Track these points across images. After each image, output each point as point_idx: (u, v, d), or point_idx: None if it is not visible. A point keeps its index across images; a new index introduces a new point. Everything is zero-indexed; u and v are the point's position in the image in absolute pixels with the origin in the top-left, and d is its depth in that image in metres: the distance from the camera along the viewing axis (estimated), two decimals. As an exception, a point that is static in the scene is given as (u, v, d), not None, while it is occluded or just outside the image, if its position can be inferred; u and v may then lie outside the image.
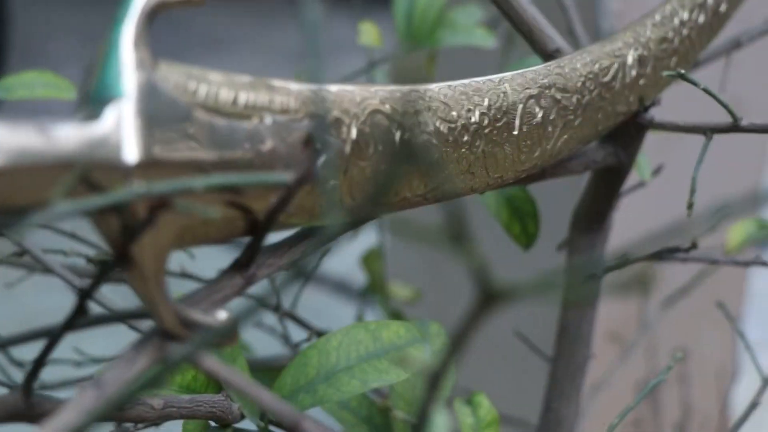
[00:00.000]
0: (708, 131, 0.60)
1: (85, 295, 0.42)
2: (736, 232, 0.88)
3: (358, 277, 1.52)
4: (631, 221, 0.83)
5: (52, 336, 0.42)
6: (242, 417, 0.57)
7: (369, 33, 0.79)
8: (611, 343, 1.02)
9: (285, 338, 0.77)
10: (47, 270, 0.64)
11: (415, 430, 0.35)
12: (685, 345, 1.16)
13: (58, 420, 0.39)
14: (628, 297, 1.00)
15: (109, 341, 1.07)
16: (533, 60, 0.71)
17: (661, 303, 1.00)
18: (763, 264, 0.68)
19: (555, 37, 0.63)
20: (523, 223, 0.70)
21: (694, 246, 0.65)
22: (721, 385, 1.25)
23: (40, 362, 0.43)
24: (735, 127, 0.59)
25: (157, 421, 0.51)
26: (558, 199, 0.93)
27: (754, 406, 0.70)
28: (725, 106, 0.58)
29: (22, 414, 0.45)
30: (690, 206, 0.60)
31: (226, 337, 0.41)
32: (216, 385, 0.58)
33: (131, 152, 0.39)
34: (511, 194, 0.70)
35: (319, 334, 0.76)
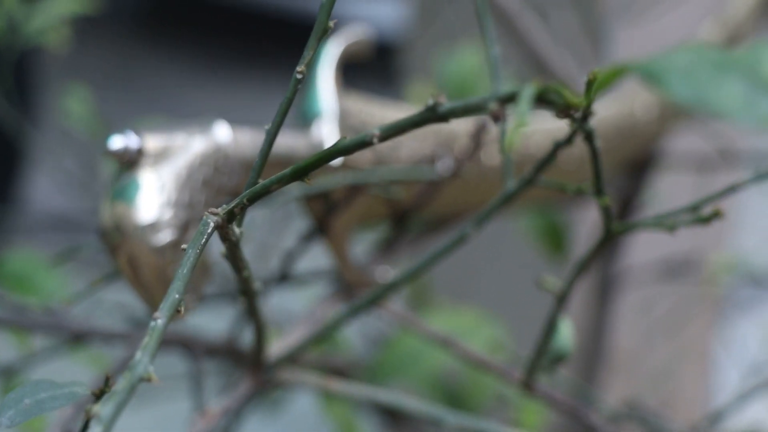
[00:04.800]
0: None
1: (289, 259, 0.59)
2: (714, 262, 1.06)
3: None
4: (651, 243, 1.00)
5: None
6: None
7: (421, 93, 0.97)
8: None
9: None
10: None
11: (544, 335, 0.52)
12: (664, 380, 1.33)
13: (284, 341, 0.56)
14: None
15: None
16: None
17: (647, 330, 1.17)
18: None
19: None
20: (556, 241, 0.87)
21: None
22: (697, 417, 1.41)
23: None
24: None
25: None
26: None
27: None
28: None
29: (227, 351, 0.61)
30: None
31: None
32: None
33: (336, 155, 0.56)
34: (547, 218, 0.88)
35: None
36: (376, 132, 0.34)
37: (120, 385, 0.31)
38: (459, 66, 0.99)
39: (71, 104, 1.05)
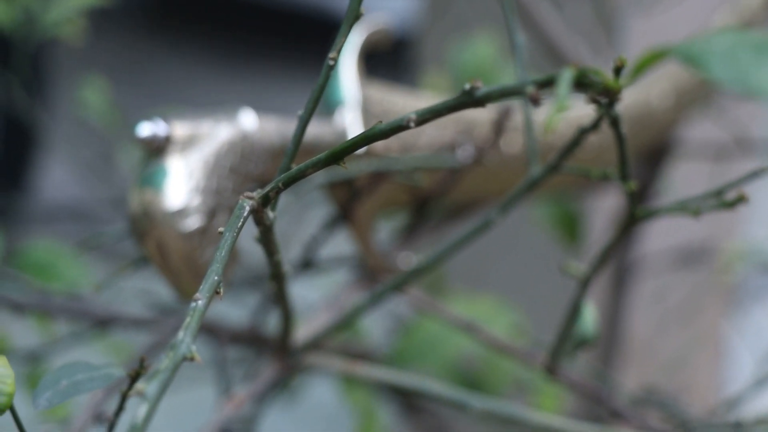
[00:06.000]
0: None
1: (313, 246, 0.59)
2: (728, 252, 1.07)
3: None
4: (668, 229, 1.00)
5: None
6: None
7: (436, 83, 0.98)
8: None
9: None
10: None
11: (568, 320, 0.52)
12: (678, 367, 1.34)
13: (308, 326, 0.56)
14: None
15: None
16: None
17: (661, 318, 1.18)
18: None
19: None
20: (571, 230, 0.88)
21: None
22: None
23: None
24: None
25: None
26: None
27: None
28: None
29: (250, 338, 0.62)
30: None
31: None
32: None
33: (360, 142, 0.56)
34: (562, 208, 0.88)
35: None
36: (413, 116, 0.34)
37: (164, 363, 0.31)
38: (473, 56, 1.00)
39: (87, 95, 1.06)
